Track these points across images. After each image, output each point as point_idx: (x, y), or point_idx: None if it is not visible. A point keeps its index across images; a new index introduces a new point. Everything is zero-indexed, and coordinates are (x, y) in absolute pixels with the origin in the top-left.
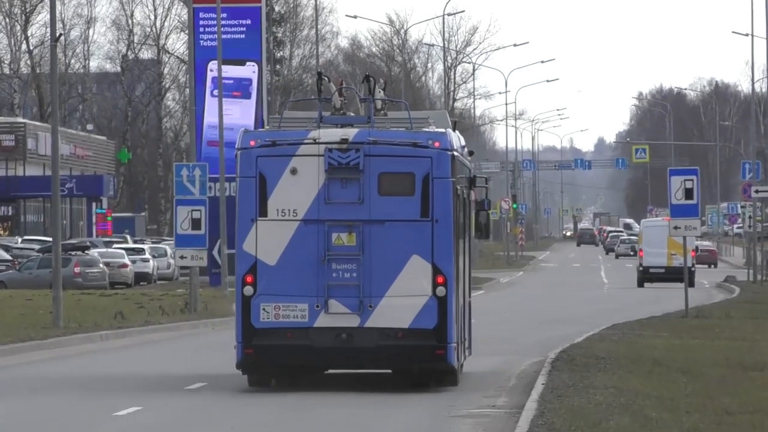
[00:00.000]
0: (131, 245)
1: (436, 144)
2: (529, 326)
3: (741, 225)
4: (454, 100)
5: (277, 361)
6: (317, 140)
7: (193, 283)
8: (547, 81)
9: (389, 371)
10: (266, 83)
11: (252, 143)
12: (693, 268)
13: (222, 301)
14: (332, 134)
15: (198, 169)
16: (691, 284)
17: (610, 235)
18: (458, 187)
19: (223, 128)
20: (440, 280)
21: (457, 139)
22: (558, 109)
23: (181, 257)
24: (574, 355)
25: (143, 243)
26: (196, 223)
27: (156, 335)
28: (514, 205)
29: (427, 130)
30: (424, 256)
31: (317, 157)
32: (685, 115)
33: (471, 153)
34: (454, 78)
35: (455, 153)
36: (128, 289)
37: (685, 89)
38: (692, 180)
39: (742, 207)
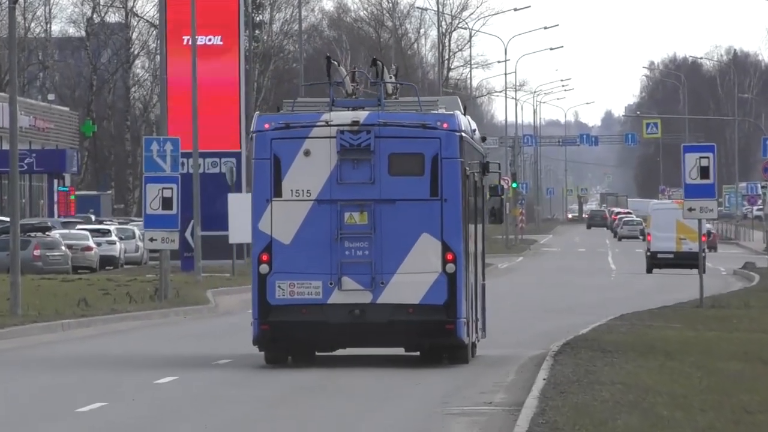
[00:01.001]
0: (96, 226)
1: (445, 125)
2: (529, 316)
3: (761, 207)
4: (449, 69)
5: (292, 337)
6: (329, 122)
7: (163, 267)
8: (551, 49)
9: (400, 351)
10: (244, 50)
11: (266, 126)
12: (704, 254)
13: (195, 288)
14: (344, 117)
15: (169, 143)
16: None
17: (620, 217)
18: (467, 168)
19: (196, 98)
20: (450, 257)
21: (467, 122)
22: (562, 80)
23: (151, 240)
24: (579, 347)
25: (109, 224)
26: (167, 203)
27: (123, 324)
28: (514, 184)
29: (436, 112)
30: (434, 234)
31: (329, 139)
32: (700, 86)
33: (484, 138)
34: (449, 45)
35: (464, 134)
36: (93, 274)
37: (701, 58)
38: (708, 157)
39: (762, 187)
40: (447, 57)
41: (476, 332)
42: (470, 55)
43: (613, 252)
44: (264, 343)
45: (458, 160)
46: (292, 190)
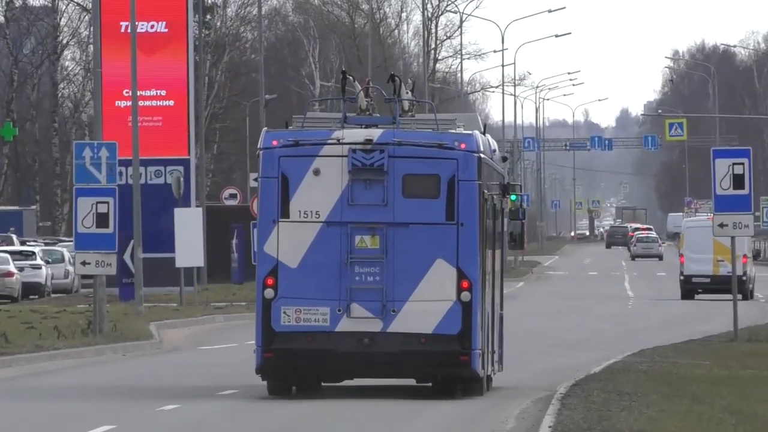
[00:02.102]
0: (18, 248)
1: (462, 146)
2: (532, 351)
3: None
4: (436, 60)
5: (297, 366)
6: (341, 140)
7: (98, 296)
8: (556, 36)
9: (411, 383)
10: (193, 38)
11: (274, 143)
12: (744, 277)
13: (135, 320)
14: (356, 135)
15: (105, 149)
16: (746, 296)
17: (636, 234)
18: (485, 191)
19: (137, 95)
20: (465, 284)
21: (486, 142)
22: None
23: (83, 263)
24: (591, 389)
25: (34, 245)
26: (102, 219)
27: (50, 364)
28: (512, 197)
29: (453, 131)
30: (449, 260)
31: (341, 158)
32: (733, 80)
33: (505, 158)
34: (436, 32)
35: (482, 155)
36: (14, 304)
37: (734, 46)
38: (743, 163)
39: None
40: (433, 46)
41: (492, 364)
42: (461, 44)
43: (630, 275)
44: (268, 371)
45: (476, 182)
46: (300, 211)
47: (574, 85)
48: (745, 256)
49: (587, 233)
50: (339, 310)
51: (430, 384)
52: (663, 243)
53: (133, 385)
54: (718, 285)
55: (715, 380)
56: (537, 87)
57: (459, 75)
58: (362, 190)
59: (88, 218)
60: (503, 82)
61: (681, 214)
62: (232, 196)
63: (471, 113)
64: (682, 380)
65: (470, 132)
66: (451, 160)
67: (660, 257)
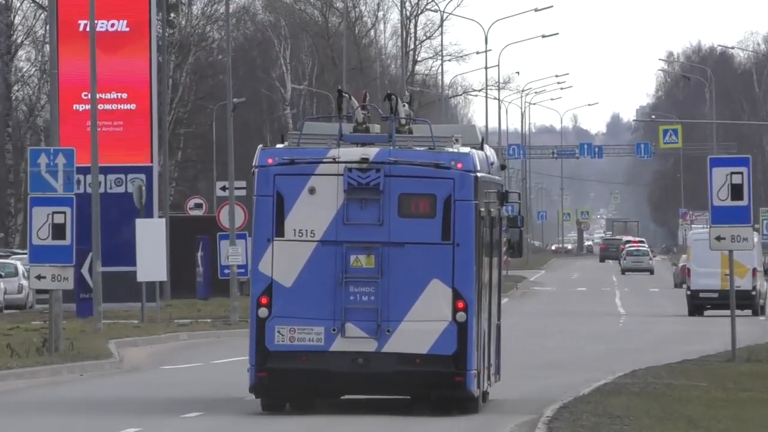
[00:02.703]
0: None
1: (459, 165)
2: (516, 372)
3: None
4: (415, 62)
5: (291, 386)
6: (337, 159)
7: (54, 312)
8: (543, 36)
9: (406, 398)
10: (156, 38)
11: (270, 161)
12: (754, 292)
13: (94, 338)
14: (352, 153)
15: (62, 156)
16: (756, 312)
17: (628, 248)
18: (482, 210)
19: (96, 98)
20: (460, 305)
21: (483, 158)
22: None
23: (38, 277)
24: (579, 412)
25: None
26: (58, 230)
27: (2, 384)
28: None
29: (450, 150)
30: (445, 280)
31: (336, 177)
32: (731, 84)
33: (503, 167)
34: (415, 32)
35: (479, 174)
36: None
37: (732, 48)
38: (741, 173)
39: None
40: (412, 47)
41: (489, 378)
42: (441, 45)
43: (621, 291)
44: (261, 391)
45: (472, 202)
46: (295, 230)
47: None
48: (755, 269)
49: (569, 246)
50: (333, 330)
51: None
52: (654, 256)
53: (91, 407)
54: (727, 300)
55: (712, 403)
56: (523, 91)
57: (439, 78)
58: (358, 209)
59: (43, 229)
60: (487, 86)
61: (702, 226)
62: (198, 206)
63: (470, 125)
64: (676, 402)
65: (467, 151)
66: (448, 179)
67: (651, 271)
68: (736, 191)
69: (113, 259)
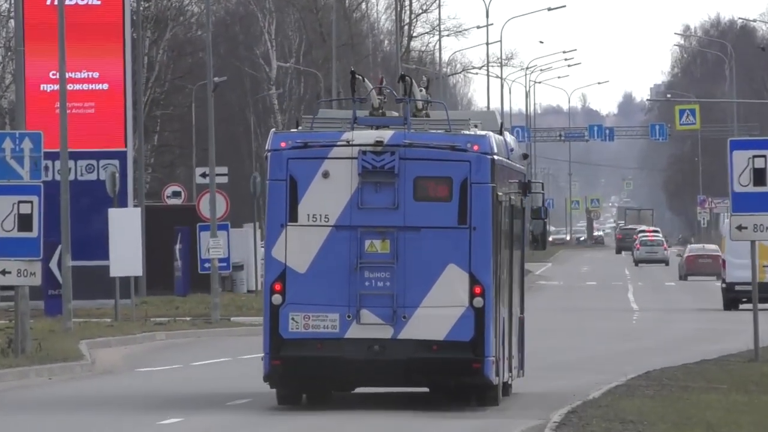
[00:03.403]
0: None
1: (476, 147)
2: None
3: None
4: (411, 37)
5: (306, 374)
6: (351, 142)
7: (20, 310)
8: (549, 9)
9: (425, 390)
10: (130, 12)
11: (283, 144)
12: None
13: (63, 338)
14: (367, 136)
15: (28, 140)
16: None
17: (641, 238)
18: (500, 194)
19: (65, 77)
20: (478, 290)
21: (502, 142)
22: (565, 52)
23: (3, 272)
24: (589, 416)
25: None
26: (25, 221)
27: None
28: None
29: (467, 132)
30: (461, 265)
31: (350, 160)
32: (753, 59)
33: (525, 156)
34: (410, 5)
35: (496, 157)
36: None
37: (754, 21)
38: (765, 156)
39: None
40: (407, 21)
41: (510, 370)
42: (439, 19)
43: (634, 286)
44: (275, 379)
45: (489, 185)
46: (308, 215)
47: (569, 66)
48: None
49: (567, 237)
50: (348, 317)
51: (441, 392)
52: (670, 247)
53: (61, 413)
54: (764, 293)
55: (733, 407)
56: (527, 68)
57: (437, 54)
58: (372, 193)
59: (8, 220)
60: (488, 62)
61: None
62: (176, 195)
63: (489, 111)
64: (694, 407)
65: (484, 133)
66: (464, 162)
67: (666, 262)
68: (759, 176)
69: (84, 252)
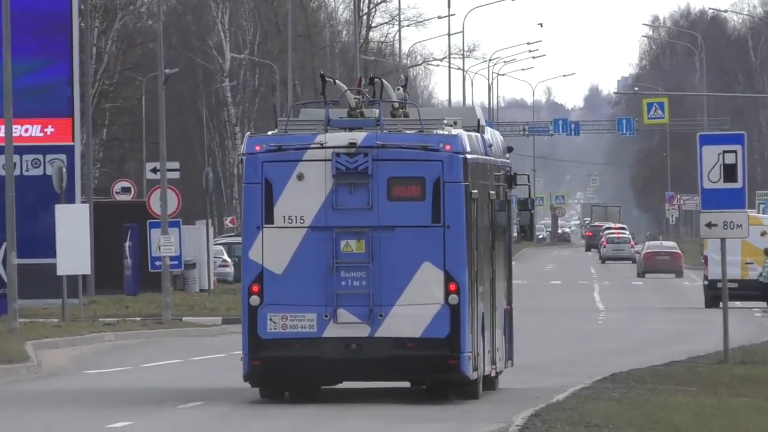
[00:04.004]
0: None
1: (448, 147)
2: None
3: None
4: (369, 27)
5: (285, 373)
6: (324, 144)
7: None
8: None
9: (405, 386)
10: (78, 1)
11: (257, 148)
12: None
13: (8, 339)
14: (340, 138)
15: None
16: None
17: (608, 235)
18: (474, 191)
19: (9, 67)
20: (453, 287)
21: (477, 140)
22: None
23: None
24: (553, 420)
25: None
26: None
27: None
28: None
29: (439, 132)
30: (436, 263)
31: (324, 162)
32: (724, 51)
33: (510, 149)
34: None
35: (469, 156)
36: None
37: (725, 11)
38: (735, 151)
39: None
40: (366, 10)
41: (493, 363)
42: (399, 8)
43: (600, 285)
44: (255, 379)
45: (462, 183)
46: (284, 217)
47: (534, 57)
48: None
49: (546, 235)
50: (326, 316)
51: (423, 386)
52: (636, 244)
53: (4, 417)
54: (746, 290)
55: (702, 410)
56: (490, 60)
57: (397, 45)
58: (347, 194)
59: None
60: (449, 54)
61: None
62: (125, 190)
63: (470, 107)
64: (662, 410)
65: (456, 132)
66: (436, 162)
67: (633, 260)
68: (729, 172)
69: (30, 250)
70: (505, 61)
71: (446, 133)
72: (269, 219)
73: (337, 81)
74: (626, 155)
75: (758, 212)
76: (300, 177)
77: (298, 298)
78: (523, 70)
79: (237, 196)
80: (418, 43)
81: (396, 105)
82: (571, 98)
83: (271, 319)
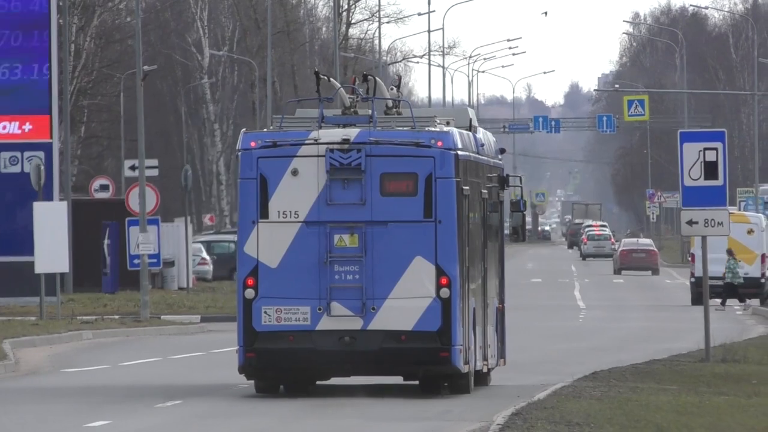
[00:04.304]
0: None
1: (439, 143)
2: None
3: None
4: (349, 24)
5: (279, 365)
6: (318, 141)
7: None
8: None
9: (398, 381)
10: None
11: (253, 144)
12: (763, 279)
13: None
14: (334, 134)
15: None
16: (763, 301)
17: (588, 232)
18: (465, 188)
19: None
20: (444, 281)
21: (469, 138)
22: (509, 40)
23: None
24: (534, 419)
25: None
26: None
27: None
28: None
29: (431, 129)
30: (428, 257)
31: (318, 158)
32: (706, 49)
33: (502, 151)
34: None
35: (460, 152)
36: None
37: (706, 8)
38: (716, 148)
39: None
40: (346, 7)
41: (485, 359)
42: (379, 5)
43: (581, 283)
44: (250, 371)
45: (453, 179)
46: (279, 212)
47: (514, 54)
48: (765, 255)
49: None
50: (319, 309)
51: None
52: (617, 241)
53: None
54: (735, 289)
55: (683, 409)
56: (470, 57)
57: (376, 42)
58: (340, 190)
59: None
60: (429, 51)
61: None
62: (104, 188)
63: (462, 108)
64: (643, 409)
65: (448, 129)
66: (428, 158)
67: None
68: (710, 169)
69: (8, 247)
70: (485, 58)
71: (438, 130)
72: (264, 214)
73: (331, 79)
74: (607, 152)
75: (740, 210)
76: (294, 172)
77: (292, 292)
78: (503, 67)
79: (216, 193)
80: (398, 40)
81: (389, 104)
82: (552, 95)
83: (265, 312)
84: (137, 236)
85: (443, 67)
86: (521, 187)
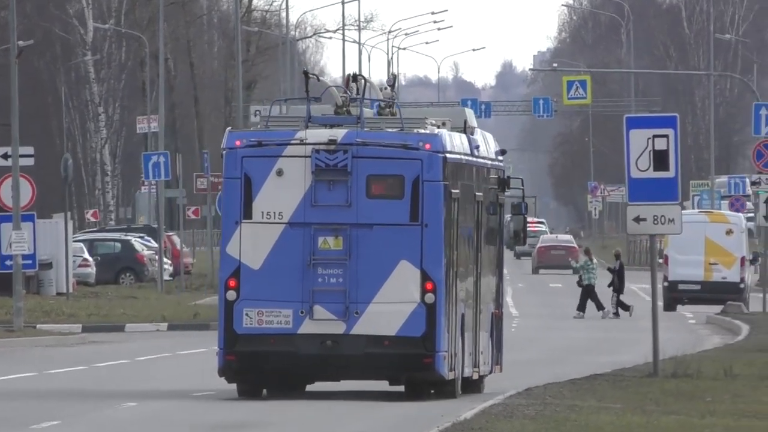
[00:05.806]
0: None
1: (427, 146)
2: (380, 392)
3: (752, 214)
4: None
5: (259, 368)
6: (304, 141)
7: None
8: None
9: (382, 385)
10: None
11: (237, 143)
12: (742, 284)
13: None
14: (320, 135)
15: None
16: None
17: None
18: (454, 191)
19: None
20: (429, 286)
21: (460, 140)
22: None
23: None
24: None
25: None
26: None
27: None
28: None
29: (420, 131)
30: (413, 261)
31: (304, 158)
32: (655, 23)
33: (503, 152)
34: None
35: (449, 155)
36: None
37: None
38: (667, 135)
39: (753, 183)
40: None
41: (475, 365)
42: None
43: (514, 287)
44: (230, 374)
45: (441, 183)
46: (262, 212)
47: (439, 29)
48: (744, 258)
49: None
50: (302, 312)
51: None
52: None
53: None
54: (709, 293)
55: (628, 429)
56: (389, 32)
57: (283, 15)
58: (325, 191)
59: None
60: (344, 25)
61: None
62: None
63: (459, 108)
64: (582, 430)
65: (437, 132)
66: (416, 160)
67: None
68: (660, 159)
69: None
70: (406, 34)
71: (427, 132)
72: (248, 214)
73: (321, 78)
74: (543, 140)
75: (693, 206)
76: (279, 173)
77: (274, 294)
78: (427, 43)
79: (100, 186)
80: (308, 13)
81: (383, 104)
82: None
83: (247, 314)
84: (9, 234)
85: (359, 43)
86: (522, 189)
